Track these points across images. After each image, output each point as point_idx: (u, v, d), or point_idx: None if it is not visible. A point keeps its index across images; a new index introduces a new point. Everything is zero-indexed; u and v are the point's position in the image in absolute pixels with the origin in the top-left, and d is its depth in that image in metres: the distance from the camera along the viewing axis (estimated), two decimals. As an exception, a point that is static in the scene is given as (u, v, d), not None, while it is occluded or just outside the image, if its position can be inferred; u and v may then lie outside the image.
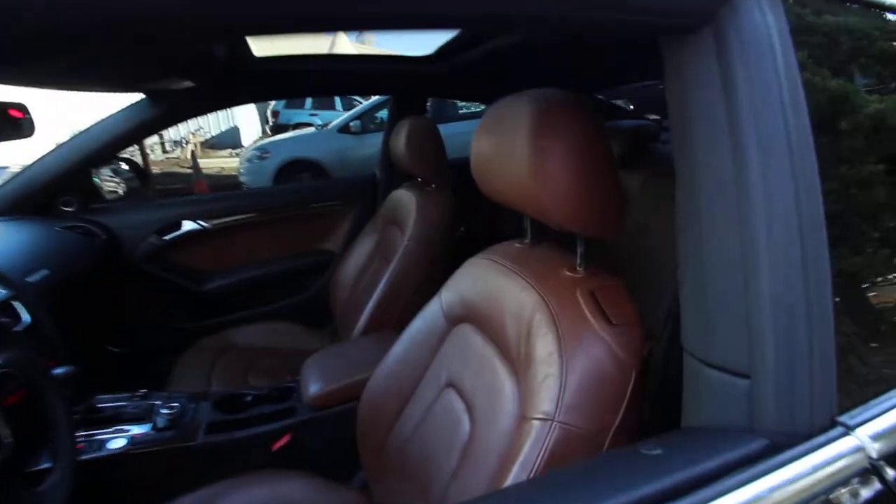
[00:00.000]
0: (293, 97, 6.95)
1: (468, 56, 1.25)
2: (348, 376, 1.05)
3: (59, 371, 0.90)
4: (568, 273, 0.66)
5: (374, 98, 5.38)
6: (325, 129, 5.43)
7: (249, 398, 1.10)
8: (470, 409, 0.74)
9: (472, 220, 1.90)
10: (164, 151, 10.67)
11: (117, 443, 0.92)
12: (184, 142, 10.71)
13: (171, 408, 1.00)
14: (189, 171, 7.51)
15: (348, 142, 5.10)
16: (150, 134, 1.39)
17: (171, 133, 10.95)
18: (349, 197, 1.78)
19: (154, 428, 0.97)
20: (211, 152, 10.45)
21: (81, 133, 1.33)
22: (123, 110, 1.37)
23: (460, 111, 5.75)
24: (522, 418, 0.57)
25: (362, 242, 1.56)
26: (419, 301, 1.27)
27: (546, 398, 0.54)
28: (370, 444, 0.93)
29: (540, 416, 0.54)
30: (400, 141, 1.29)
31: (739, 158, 0.36)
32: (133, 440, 0.93)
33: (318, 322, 1.71)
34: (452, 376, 0.81)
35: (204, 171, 7.17)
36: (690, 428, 0.39)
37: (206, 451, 0.96)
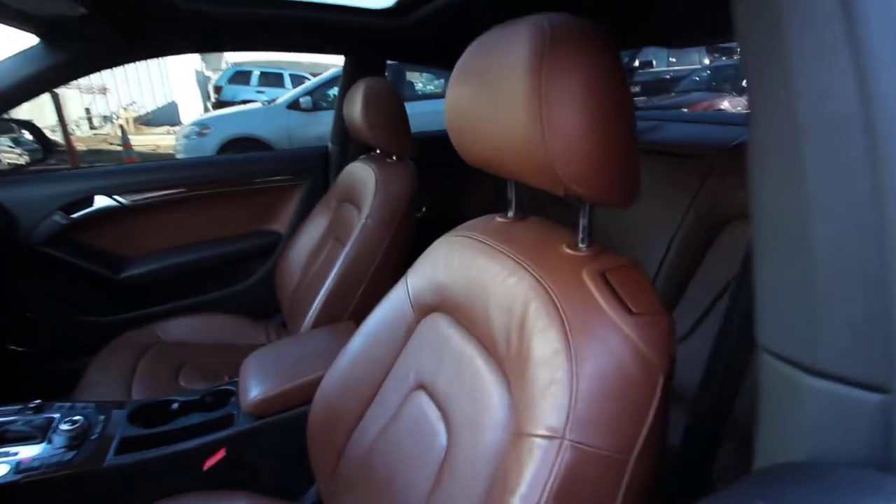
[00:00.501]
0: (221, 50, 6.43)
1: (435, 6, 1.09)
2: (297, 377, 0.90)
3: None
4: (568, 250, 0.54)
5: (327, 74, 5.07)
6: (272, 104, 5.05)
7: (176, 406, 0.92)
8: (446, 417, 0.62)
9: (435, 201, 1.76)
10: (92, 127, 9.76)
11: (-3, 470, 0.72)
12: (114, 117, 9.83)
13: (73, 422, 0.81)
14: (119, 148, 6.85)
15: (298, 119, 4.76)
16: (45, 89, 1.14)
17: (100, 107, 10.01)
18: (298, 171, 1.58)
19: (49, 449, 0.77)
20: (146, 129, 9.64)
21: None
22: (11, 58, 1.12)
23: (417, 91, 5.56)
24: (518, 434, 0.45)
25: (313, 222, 1.39)
26: (381, 288, 1.13)
27: (551, 410, 0.42)
28: (325, 456, 0.79)
29: (544, 432, 0.42)
30: (355, 106, 1.12)
31: (867, 83, 0.25)
32: (19, 466, 0.73)
33: (262, 313, 1.53)
34: (423, 376, 0.68)
35: (136, 148, 6.57)
36: (795, 465, 0.29)
37: (118, 475, 0.78)
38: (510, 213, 0.68)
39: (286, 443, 0.88)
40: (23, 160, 1.50)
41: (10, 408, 0.85)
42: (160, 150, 7.36)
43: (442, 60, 1.68)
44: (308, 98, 4.73)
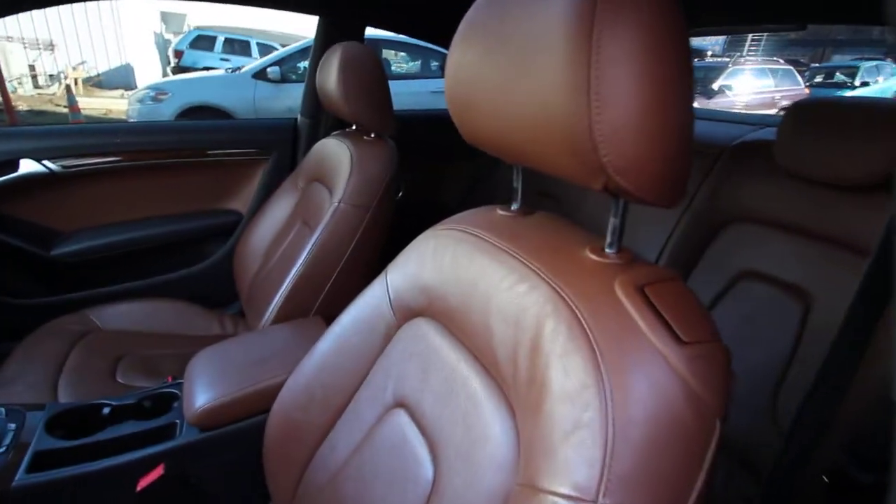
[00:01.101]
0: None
1: None
2: (253, 381, 0.78)
3: None
4: (593, 256, 0.44)
5: (298, 44, 4.78)
6: (237, 72, 4.73)
7: (107, 410, 0.78)
8: (432, 445, 0.52)
9: (410, 185, 1.65)
10: (37, 86, 9.00)
11: None
12: (62, 76, 9.08)
13: (-28, 433, 0.67)
14: (65, 110, 6.31)
15: (265, 90, 4.47)
16: None
17: (47, 65, 9.23)
18: (263, 145, 1.42)
19: (-62, 467, 0.63)
20: (97, 91, 8.96)
21: None
22: None
23: (392, 72, 5.35)
24: (531, 487, 0.36)
25: (278, 203, 1.25)
26: (353, 281, 1.01)
27: (579, 462, 0.33)
28: (283, 475, 0.69)
29: (569, 492, 0.33)
30: (330, 74, 0.99)
31: None
32: None
33: (217, 301, 1.38)
34: (404, 392, 0.58)
35: (85, 111, 6.07)
36: None
37: (30, 497, 0.64)
38: (514, 206, 0.58)
39: (238, 459, 0.77)
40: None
41: None
42: (112, 115, 6.83)
43: (427, 30, 1.55)
44: (276, 68, 4.44)
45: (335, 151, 1.07)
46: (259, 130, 1.43)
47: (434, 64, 5.08)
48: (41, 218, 1.23)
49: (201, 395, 0.75)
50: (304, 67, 4.85)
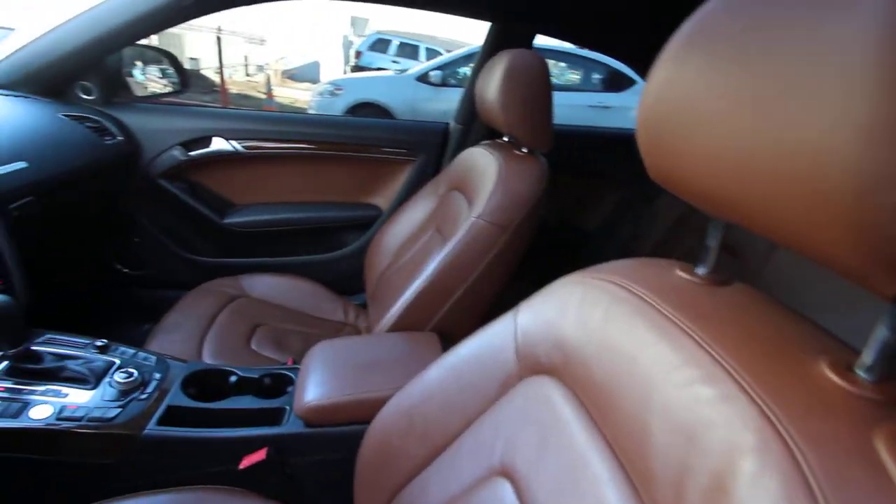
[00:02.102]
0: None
1: None
2: (360, 389, 0.76)
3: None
4: (837, 379, 0.30)
5: (462, 51, 4.94)
6: (403, 74, 5.08)
7: (234, 379, 0.83)
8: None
9: (550, 202, 1.54)
10: (247, 74, 10.81)
11: (42, 411, 0.68)
12: (266, 67, 10.78)
13: (127, 375, 0.75)
14: (263, 96, 7.47)
15: (424, 92, 4.72)
16: (177, 21, 1.11)
17: (255, 57, 11.04)
18: (412, 146, 1.44)
19: (97, 399, 0.72)
20: (289, 83, 10.45)
21: (100, 4, 1.06)
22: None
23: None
24: None
25: (416, 205, 1.24)
26: (476, 302, 0.94)
27: None
28: (371, 496, 0.65)
29: None
30: (492, 80, 0.93)
31: None
32: (62, 412, 0.68)
33: (346, 288, 1.44)
34: (514, 460, 0.49)
35: (277, 98, 7.10)
36: None
37: (154, 446, 0.70)
38: (701, 269, 0.45)
39: (334, 462, 0.75)
40: (165, 91, 1.53)
41: (77, 340, 0.81)
42: (296, 104, 7.90)
43: (610, 41, 1.42)
44: (438, 72, 4.65)
45: (481, 162, 1.01)
46: (410, 131, 1.45)
47: (596, 76, 4.83)
48: (221, 189, 1.41)
49: (311, 389, 0.75)
50: (465, 73, 5.00)
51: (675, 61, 0.36)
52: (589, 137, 1.70)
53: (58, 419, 0.67)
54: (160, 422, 0.72)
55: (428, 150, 1.43)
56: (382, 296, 1.13)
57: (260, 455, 0.72)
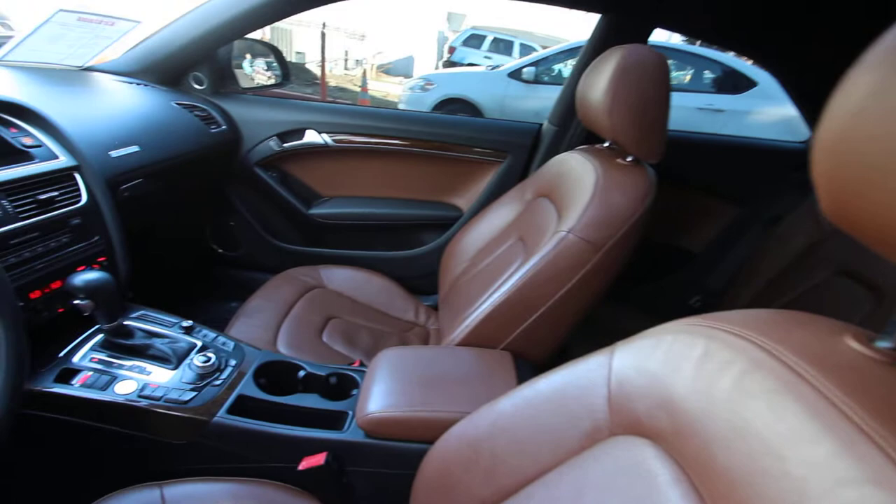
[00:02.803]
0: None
1: None
2: (424, 407, 0.71)
3: (80, 278, 0.70)
4: None
5: (557, 47, 4.74)
6: (495, 70, 4.99)
7: (302, 374, 0.83)
8: None
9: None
10: (345, 69, 11.35)
11: (126, 386, 0.71)
12: (364, 62, 11.24)
13: (206, 359, 0.77)
14: (358, 89, 7.78)
15: (516, 89, 4.59)
16: (282, 16, 1.13)
17: (355, 52, 11.56)
18: (501, 147, 1.37)
19: (176, 381, 0.74)
20: (384, 77, 10.81)
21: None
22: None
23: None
24: None
25: (499, 210, 1.17)
26: (559, 325, 0.86)
27: None
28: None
29: None
30: (599, 79, 0.83)
31: None
32: (144, 390, 0.71)
33: (419, 288, 1.41)
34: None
35: (371, 92, 7.35)
36: None
37: (220, 434, 0.71)
38: (885, 342, 0.33)
39: (390, 478, 0.72)
40: (270, 83, 1.60)
41: (167, 318, 0.85)
42: (388, 98, 8.14)
43: (748, 38, 1.23)
44: (532, 69, 4.50)
45: (577, 170, 0.91)
46: (500, 131, 1.37)
47: (708, 76, 4.38)
48: (309, 180, 1.44)
49: (375, 399, 0.72)
50: (559, 71, 4.80)
51: (879, 68, 0.26)
52: (698, 145, 1.51)
53: (139, 396, 0.70)
54: (230, 410, 0.72)
55: (517, 151, 1.35)
56: (455, 301, 1.08)
57: (319, 459, 0.70)
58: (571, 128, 1.27)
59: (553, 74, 4.63)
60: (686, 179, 1.46)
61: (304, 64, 9.26)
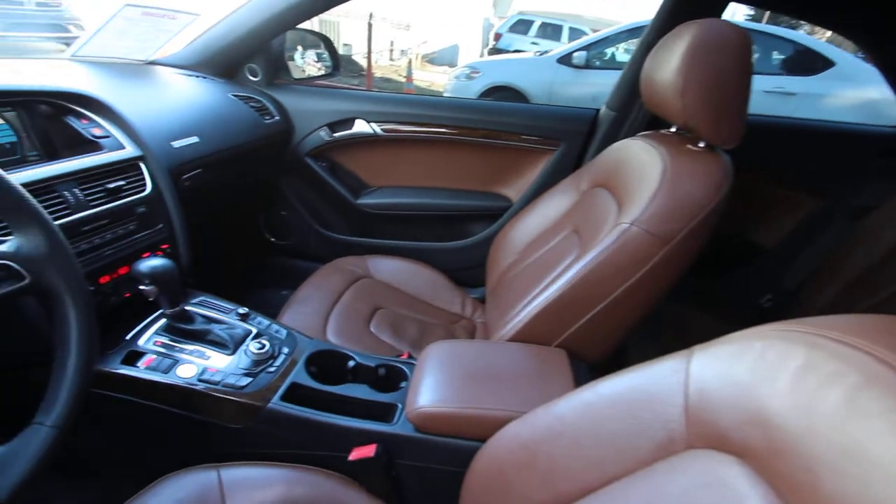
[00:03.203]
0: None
1: None
2: (476, 403, 0.69)
3: (146, 264, 0.73)
4: None
5: (610, 30, 4.53)
6: (543, 56, 4.83)
7: (352, 364, 0.83)
8: None
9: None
10: (391, 59, 11.40)
11: (187, 370, 0.73)
12: (409, 51, 11.25)
13: (260, 346, 0.78)
14: (403, 80, 7.80)
15: (565, 75, 4.42)
16: (334, 4, 1.13)
17: (400, 42, 11.59)
18: (553, 134, 1.31)
19: (233, 366, 0.76)
20: (429, 66, 10.78)
21: None
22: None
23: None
24: None
25: (552, 200, 1.12)
26: (619, 322, 0.80)
27: None
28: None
29: None
30: (670, 58, 0.76)
31: None
32: (204, 374, 0.73)
33: (466, 280, 1.38)
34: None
35: (415, 82, 7.35)
36: None
37: (273, 420, 0.72)
38: None
39: (439, 473, 0.70)
40: (320, 74, 1.61)
41: (224, 305, 0.88)
42: (433, 87, 8.11)
43: (830, 13, 1.11)
44: (583, 53, 4.32)
45: (641, 157, 0.85)
46: (553, 118, 1.31)
47: (777, 57, 4.04)
48: (357, 170, 1.45)
49: (425, 393, 0.70)
50: (612, 54, 4.59)
51: None
52: (771, 129, 1.39)
53: (199, 380, 0.72)
54: (283, 397, 0.73)
55: (571, 139, 1.29)
56: (504, 295, 1.05)
57: (369, 451, 0.69)
58: (633, 113, 1.20)
59: (605, 59, 4.44)
60: (757, 166, 1.35)
61: (350, 55, 9.38)
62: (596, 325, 0.78)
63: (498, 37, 8.62)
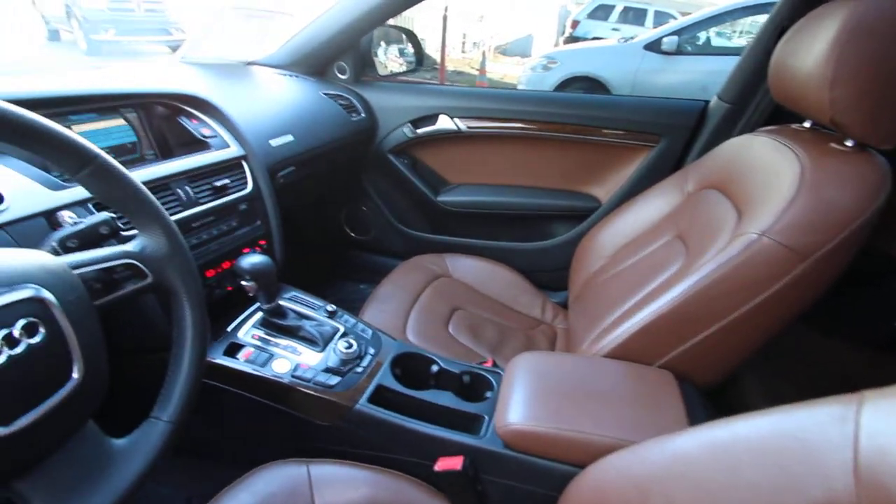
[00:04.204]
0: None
1: None
2: (575, 426, 0.64)
3: (247, 261, 0.75)
4: None
5: (707, 11, 4.14)
6: (629, 42, 4.52)
7: (436, 369, 0.81)
8: None
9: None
10: (462, 52, 11.35)
11: (282, 365, 0.75)
12: (481, 44, 11.13)
13: (348, 346, 0.79)
14: (476, 72, 7.73)
15: (653, 62, 4.10)
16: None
17: (472, 35, 11.49)
18: (652, 128, 1.21)
19: (323, 364, 0.77)
20: (501, 58, 10.60)
21: None
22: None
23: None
24: None
25: (650, 202, 1.03)
26: (739, 348, 0.69)
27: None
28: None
29: None
30: (815, 43, 0.65)
31: None
32: (296, 370, 0.75)
33: (547, 284, 1.32)
34: None
35: (488, 74, 7.26)
36: None
37: (360, 421, 0.72)
38: None
39: (531, 497, 0.66)
40: (401, 69, 1.61)
41: (314, 301, 0.89)
42: (505, 80, 7.96)
43: None
44: (674, 38, 3.99)
45: (768, 157, 0.75)
46: (652, 111, 1.21)
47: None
48: (438, 166, 1.43)
49: (516, 408, 0.67)
50: (707, 39, 4.21)
51: None
52: None
53: (292, 376, 0.73)
54: (370, 399, 0.73)
55: (673, 134, 1.18)
56: (591, 302, 0.98)
57: (456, 463, 0.67)
58: (752, 105, 1.06)
59: (698, 44, 4.08)
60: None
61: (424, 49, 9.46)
62: (710, 346, 0.70)
63: (575, 24, 8.26)
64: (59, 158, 0.41)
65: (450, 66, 8.69)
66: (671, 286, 0.73)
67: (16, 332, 0.35)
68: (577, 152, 1.29)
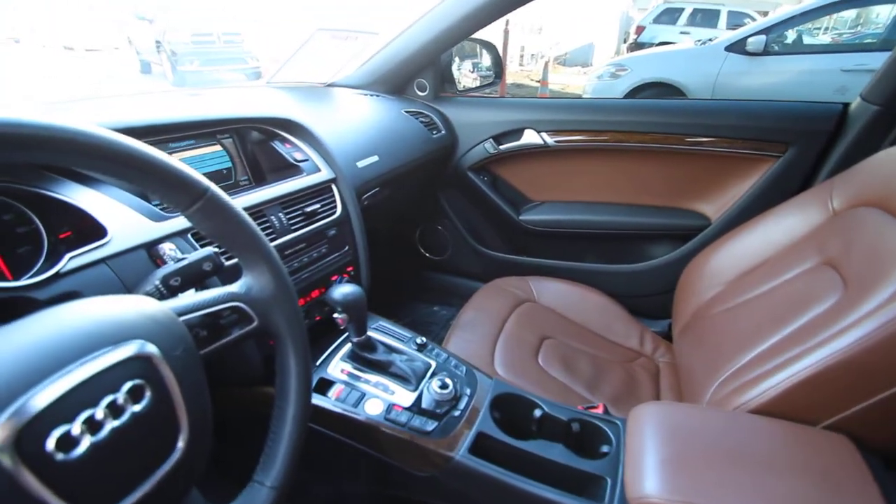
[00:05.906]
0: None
1: None
2: (730, 501, 0.52)
3: (339, 292, 0.70)
4: None
5: (800, 7, 3.77)
6: (706, 45, 4.21)
7: (539, 414, 0.72)
8: None
9: None
10: (521, 65, 11.27)
11: (375, 406, 0.69)
12: (540, 55, 11.00)
13: (443, 386, 0.71)
14: (537, 84, 7.61)
15: (736, 64, 3.78)
16: (502, 13, 1.04)
17: (531, 46, 11.40)
18: (774, 136, 1.05)
19: (416, 406, 0.70)
20: (561, 68, 10.40)
21: (438, 5, 1.08)
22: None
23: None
24: None
25: (781, 220, 0.89)
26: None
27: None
28: None
29: None
30: None
31: None
32: (390, 412, 0.68)
33: (645, 311, 1.19)
34: None
35: (549, 85, 7.11)
36: None
37: (459, 474, 0.64)
38: None
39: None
40: (475, 84, 1.56)
41: (401, 332, 0.84)
42: (567, 90, 7.77)
43: None
44: (761, 38, 3.65)
45: None
46: (775, 116, 1.05)
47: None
48: (519, 183, 1.35)
49: (653, 476, 0.55)
50: (798, 36, 3.85)
51: None
52: None
53: (385, 419, 0.67)
54: (471, 449, 0.65)
55: (804, 142, 1.02)
56: (711, 338, 0.85)
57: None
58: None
59: (786, 42, 3.73)
60: None
61: (482, 64, 9.47)
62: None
63: (640, 30, 7.94)
64: (169, 193, 0.37)
65: (509, 80, 8.63)
66: (830, 325, 0.60)
67: (120, 398, 0.30)
68: (681, 165, 1.16)
